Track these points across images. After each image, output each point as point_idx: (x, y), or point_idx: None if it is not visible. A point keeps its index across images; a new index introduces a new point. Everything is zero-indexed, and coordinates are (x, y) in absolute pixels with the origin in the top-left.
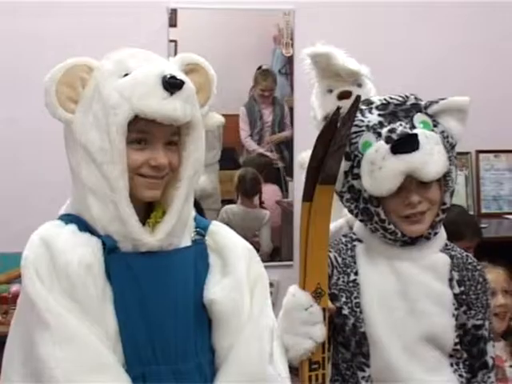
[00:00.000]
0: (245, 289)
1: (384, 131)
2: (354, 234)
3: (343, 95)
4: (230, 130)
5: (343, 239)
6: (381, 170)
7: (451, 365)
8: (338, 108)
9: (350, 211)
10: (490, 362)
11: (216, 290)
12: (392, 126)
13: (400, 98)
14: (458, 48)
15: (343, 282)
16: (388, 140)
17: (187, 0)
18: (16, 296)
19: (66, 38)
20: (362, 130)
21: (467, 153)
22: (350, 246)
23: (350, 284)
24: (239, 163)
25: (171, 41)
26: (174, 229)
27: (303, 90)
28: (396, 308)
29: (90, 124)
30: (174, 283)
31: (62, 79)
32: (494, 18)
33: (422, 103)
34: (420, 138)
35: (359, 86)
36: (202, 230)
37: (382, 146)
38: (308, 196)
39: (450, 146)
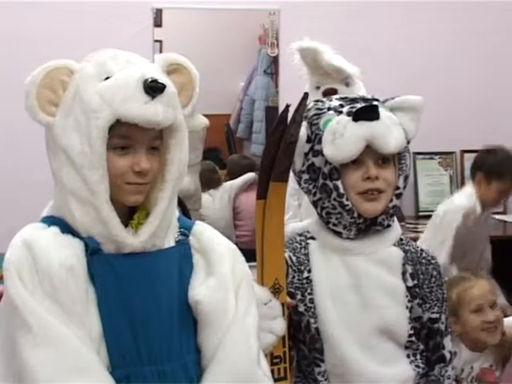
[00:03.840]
0: (230, 288)
1: (345, 109)
2: (308, 232)
3: (328, 92)
4: (214, 130)
5: (297, 238)
6: (342, 136)
7: (407, 356)
8: (287, 106)
9: (308, 192)
10: (448, 355)
11: (201, 290)
12: (353, 105)
13: (357, 96)
14: (443, 51)
15: (298, 279)
16: (349, 113)
17: (172, 0)
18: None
19: (50, 38)
20: (324, 112)
21: (452, 152)
22: (304, 244)
23: (304, 281)
24: (224, 163)
25: (156, 41)
26: (157, 230)
27: (288, 90)
28: (349, 302)
29: (70, 128)
30: (158, 284)
31: (43, 82)
32: (479, 22)
33: (380, 99)
34: (380, 111)
35: (347, 85)
36: (185, 231)
37: (342, 118)
38: (262, 194)
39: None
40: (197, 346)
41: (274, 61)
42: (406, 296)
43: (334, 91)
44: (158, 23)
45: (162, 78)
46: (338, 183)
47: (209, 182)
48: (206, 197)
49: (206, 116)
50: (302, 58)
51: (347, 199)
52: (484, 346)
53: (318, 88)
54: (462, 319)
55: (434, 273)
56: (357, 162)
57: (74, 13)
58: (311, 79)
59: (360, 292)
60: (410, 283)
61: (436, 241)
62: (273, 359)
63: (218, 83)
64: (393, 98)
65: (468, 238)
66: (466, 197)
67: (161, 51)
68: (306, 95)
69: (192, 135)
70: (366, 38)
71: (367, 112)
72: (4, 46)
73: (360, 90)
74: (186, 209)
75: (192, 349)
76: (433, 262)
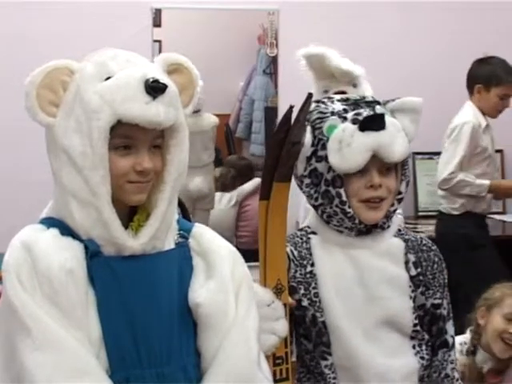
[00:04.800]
0: (230, 291)
1: (349, 115)
2: (309, 227)
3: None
4: None
5: (298, 233)
6: (349, 146)
7: (413, 347)
8: (291, 107)
9: (309, 196)
10: (450, 340)
11: (201, 292)
12: (357, 111)
13: (358, 97)
14: (443, 51)
15: (300, 274)
16: (355, 121)
17: (171, 0)
18: None
19: (50, 38)
20: (327, 116)
21: None
22: (305, 238)
23: (308, 275)
24: (223, 164)
25: (155, 41)
26: (157, 232)
27: (288, 90)
28: (353, 295)
29: (71, 128)
30: (158, 286)
31: (43, 83)
32: (477, 22)
33: (380, 101)
34: (386, 119)
35: (354, 86)
36: (185, 233)
37: (348, 126)
38: (265, 194)
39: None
40: (196, 349)
41: (273, 61)
42: (410, 286)
43: (343, 94)
44: (157, 23)
45: (164, 78)
46: (341, 191)
47: (227, 185)
48: None
49: None
50: (308, 64)
51: (349, 207)
52: (494, 353)
53: (326, 92)
54: (490, 316)
55: (436, 259)
56: (361, 171)
57: (73, 13)
58: (318, 84)
59: (364, 285)
60: (414, 272)
61: (447, 154)
62: (275, 360)
63: (218, 83)
64: (393, 100)
65: (477, 149)
66: (468, 113)
67: (160, 51)
68: (310, 95)
69: (202, 135)
70: (365, 37)
71: (374, 121)
72: (4, 46)
73: (367, 90)
74: (186, 210)
75: (192, 351)
76: (433, 248)
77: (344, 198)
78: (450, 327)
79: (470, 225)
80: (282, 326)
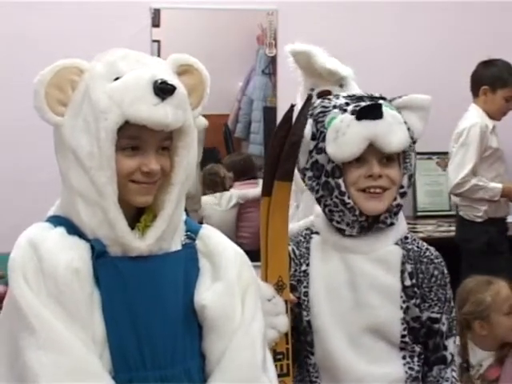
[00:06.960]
0: (236, 294)
1: (350, 107)
2: (314, 226)
3: (322, 94)
4: (213, 130)
5: (303, 232)
6: (345, 135)
7: (403, 357)
8: (292, 106)
9: (311, 189)
10: (449, 357)
11: (207, 295)
12: (358, 103)
13: (365, 94)
14: (442, 51)
15: (299, 272)
16: (353, 112)
17: (170, 0)
18: (1, 296)
19: (50, 38)
20: (329, 110)
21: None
22: (307, 238)
23: (301, 274)
24: (221, 163)
25: (154, 41)
26: (163, 233)
27: (286, 90)
28: (342, 298)
29: (79, 128)
30: (164, 288)
31: (52, 82)
32: (480, 19)
33: (387, 98)
34: (384, 110)
35: (341, 86)
36: (192, 234)
37: (346, 117)
38: (267, 191)
39: (410, 138)
40: (201, 351)
41: (272, 61)
42: (401, 296)
43: (328, 93)
44: (156, 23)
45: (173, 80)
46: (340, 181)
47: (212, 184)
48: (211, 199)
49: (204, 116)
50: (295, 62)
51: (348, 197)
52: (503, 345)
53: (312, 90)
54: (492, 322)
55: (436, 272)
56: (360, 160)
57: (73, 13)
58: (305, 81)
59: (354, 290)
60: (408, 282)
61: (457, 158)
62: (276, 355)
63: (216, 83)
64: (400, 97)
65: (488, 151)
66: (474, 115)
67: (159, 51)
68: (310, 96)
69: None
70: (365, 37)
71: (370, 111)
72: (4, 46)
73: (354, 90)
74: (186, 211)
75: (196, 354)
76: (436, 261)
77: (343, 189)
78: (450, 344)
79: (492, 231)
80: (283, 322)
